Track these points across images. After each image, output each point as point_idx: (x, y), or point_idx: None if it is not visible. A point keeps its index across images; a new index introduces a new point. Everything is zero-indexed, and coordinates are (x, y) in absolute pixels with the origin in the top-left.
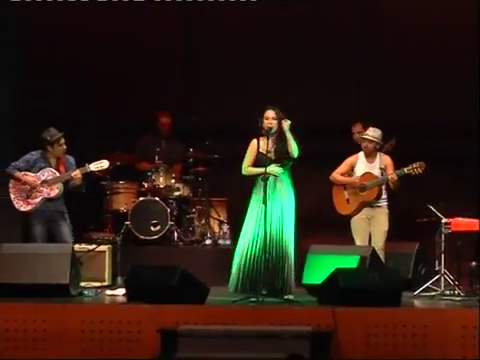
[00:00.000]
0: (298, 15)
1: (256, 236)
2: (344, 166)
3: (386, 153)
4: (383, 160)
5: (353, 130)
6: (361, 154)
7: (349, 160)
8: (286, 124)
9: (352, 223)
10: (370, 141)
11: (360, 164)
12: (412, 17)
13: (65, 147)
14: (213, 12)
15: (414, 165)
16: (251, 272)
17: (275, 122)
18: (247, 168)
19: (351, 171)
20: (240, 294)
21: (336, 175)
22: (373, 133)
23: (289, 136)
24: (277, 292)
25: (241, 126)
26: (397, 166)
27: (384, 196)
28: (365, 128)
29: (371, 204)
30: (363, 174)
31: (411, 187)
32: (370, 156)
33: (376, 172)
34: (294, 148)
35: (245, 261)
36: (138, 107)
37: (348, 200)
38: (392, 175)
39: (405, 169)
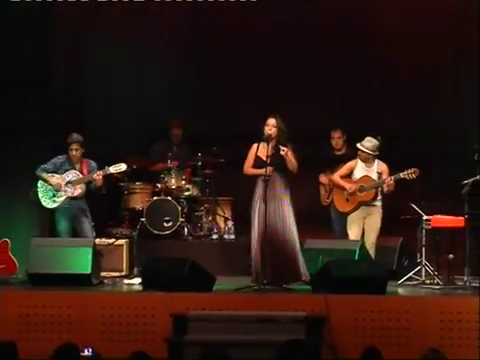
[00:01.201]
0: (293, 26)
1: (260, 231)
2: (344, 169)
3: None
4: (380, 166)
5: (333, 135)
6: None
7: (349, 164)
8: (283, 153)
9: (349, 220)
10: (362, 151)
11: (359, 168)
12: (395, 32)
13: (75, 153)
14: (218, 28)
15: (409, 171)
16: (260, 263)
17: (274, 129)
18: (247, 169)
19: (351, 174)
20: (257, 284)
21: (337, 178)
22: (367, 144)
23: (289, 160)
24: (285, 280)
25: (244, 133)
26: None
27: (379, 197)
28: (344, 134)
29: (368, 204)
30: (362, 177)
31: (396, 188)
32: (368, 161)
33: (374, 176)
34: (293, 167)
35: (255, 254)
36: (151, 116)
37: (347, 199)
38: (389, 179)
39: (401, 174)
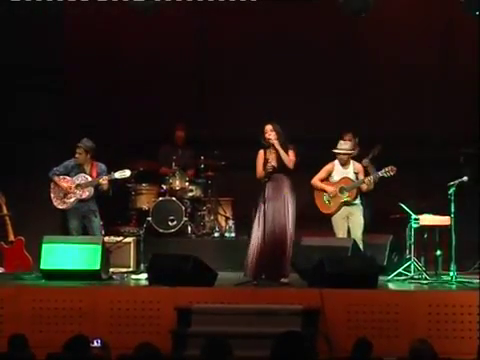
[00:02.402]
0: (294, 28)
1: (263, 229)
2: (322, 173)
3: (374, 157)
4: (356, 166)
5: (345, 138)
6: (336, 162)
7: (326, 167)
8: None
9: (333, 221)
10: (342, 154)
11: (336, 170)
12: (386, 41)
13: (77, 156)
14: (219, 29)
15: (387, 169)
16: (256, 258)
17: (273, 134)
18: (260, 173)
19: (329, 176)
20: (248, 279)
21: (317, 181)
22: (344, 146)
23: (282, 154)
24: (276, 276)
25: (243, 138)
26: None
27: (359, 196)
28: (354, 137)
29: (349, 203)
30: (342, 178)
31: (386, 189)
32: (345, 164)
33: (351, 176)
34: (287, 162)
35: (253, 250)
36: (158, 122)
37: (329, 201)
38: (368, 178)
39: (379, 173)
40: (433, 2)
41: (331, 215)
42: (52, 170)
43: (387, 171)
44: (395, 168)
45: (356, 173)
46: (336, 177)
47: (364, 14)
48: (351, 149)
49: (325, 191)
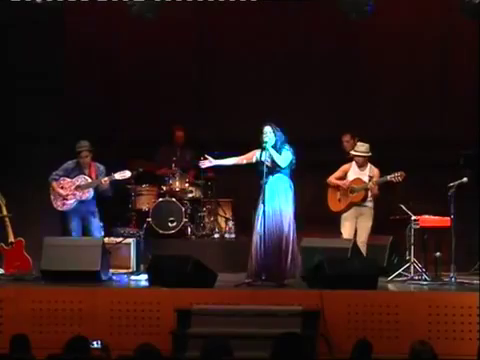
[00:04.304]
0: (293, 29)
1: (260, 230)
2: (339, 172)
3: None
4: (372, 170)
5: (343, 139)
6: (354, 163)
7: (344, 167)
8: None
9: (342, 219)
10: (358, 156)
11: (352, 171)
12: (387, 42)
13: (87, 160)
14: (218, 44)
15: (396, 174)
16: (257, 260)
17: (272, 136)
18: (236, 161)
19: (345, 176)
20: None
21: (332, 178)
22: (361, 148)
23: (273, 153)
24: (275, 278)
25: (243, 139)
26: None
27: (369, 199)
28: (353, 138)
29: (359, 204)
30: (354, 179)
31: (386, 190)
32: (362, 165)
33: (365, 179)
34: (278, 162)
35: (253, 252)
36: (158, 123)
37: (339, 200)
38: (371, 183)
39: (388, 177)
40: (433, 3)
41: (340, 213)
42: (52, 174)
43: (396, 176)
44: (404, 174)
45: (371, 176)
46: (350, 177)
47: (363, 15)
48: (367, 152)
49: (339, 186)
